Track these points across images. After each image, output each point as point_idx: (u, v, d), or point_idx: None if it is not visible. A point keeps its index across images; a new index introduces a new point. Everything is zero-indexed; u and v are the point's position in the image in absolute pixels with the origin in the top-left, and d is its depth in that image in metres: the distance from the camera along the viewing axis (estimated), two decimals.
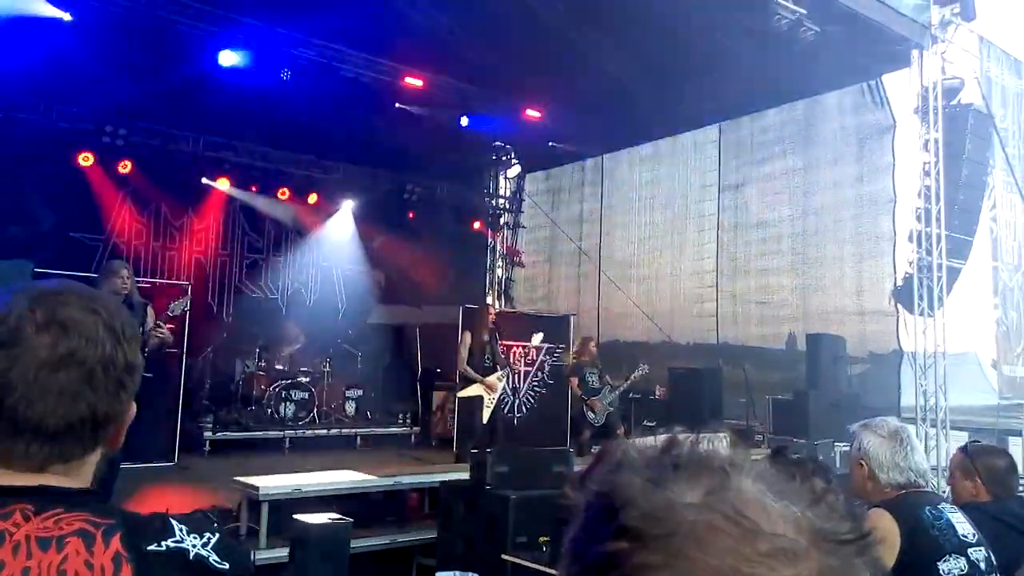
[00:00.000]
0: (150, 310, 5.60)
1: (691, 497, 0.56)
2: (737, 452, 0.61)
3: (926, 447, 7.86)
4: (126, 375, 1.07)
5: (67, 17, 7.26)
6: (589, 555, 0.57)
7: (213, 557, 1.05)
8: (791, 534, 0.54)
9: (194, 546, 1.04)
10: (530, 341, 8.86)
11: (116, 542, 0.99)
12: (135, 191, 10.55)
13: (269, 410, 9.87)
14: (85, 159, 9.74)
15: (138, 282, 5.83)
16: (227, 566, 1.06)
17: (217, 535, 1.09)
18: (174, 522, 1.06)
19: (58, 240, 9.58)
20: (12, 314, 1.02)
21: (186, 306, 5.88)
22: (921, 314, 8.29)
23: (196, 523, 1.09)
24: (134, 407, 1.12)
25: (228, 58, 8.51)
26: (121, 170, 10.08)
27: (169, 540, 1.03)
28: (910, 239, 8.57)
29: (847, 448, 3.31)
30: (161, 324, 5.38)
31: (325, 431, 10.18)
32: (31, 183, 9.26)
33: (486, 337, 7.87)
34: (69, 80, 8.49)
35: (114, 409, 1.06)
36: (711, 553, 0.52)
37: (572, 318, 11.59)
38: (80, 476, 1.06)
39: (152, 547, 1.01)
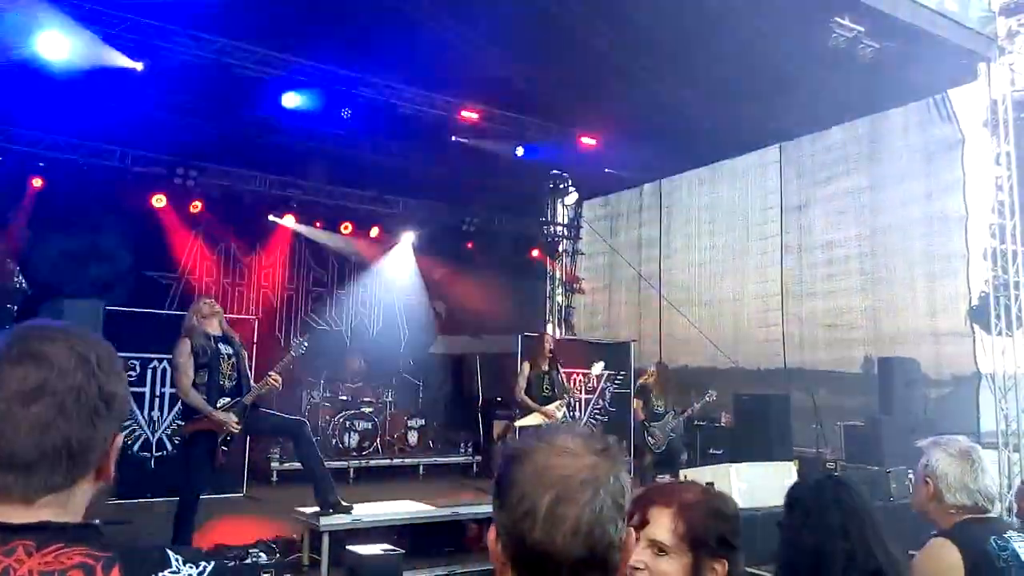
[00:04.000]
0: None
1: (535, 439, 1.16)
2: (572, 425, 1.30)
3: (1009, 474, 7.46)
4: (101, 404, 1.08)
5: (139, 67, 7.64)
6: (496, 479, 1.15)
7: None
8: (575, 446, 1.12)
9: (190, 575, 1.08)
10: (590, 369, 8.79)
11: (116, 574, 1.02)
12: (206, 230, 10.98)
13: (334, 440, 10.04)
14: (158, 200, 10.20)
15: None
16: None
17: (212, 564, 1.12)
18: (171, 553, 1.10)
19: (133, 279, 10.01)
20: None
21: (305, 346, 6.08)
22: (999, 334, 7.91)
23: (192, 554, 1.12)
24: (120, 438, 1.13)
25: (291, 100, 8.82)
26: (192, 210, 10.51)
27: (166, 571, 1.07)
28: (985, 257, 8.23)
29: None
30: (273, 373, 5.70)
31: (388, 461, 10.29)
32: (108, 225, 9.74)
33: (545, 366, 7.84)
34: (142, 126, 8.94)
35: (87, 436, 1.07)
36: (538, 456, 1.12)
37: (633, 344, 11.46)
38: (73, 509, 1.08)
39: None
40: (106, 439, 1.11)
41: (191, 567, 1.09)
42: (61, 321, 1.19)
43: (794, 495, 2.23)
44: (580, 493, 1.07)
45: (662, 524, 1.68)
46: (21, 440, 1.04)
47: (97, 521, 1.10)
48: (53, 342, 1.09)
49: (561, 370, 8.03)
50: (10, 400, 1.04)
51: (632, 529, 1.15)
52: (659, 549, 1.67)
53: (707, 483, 1.93)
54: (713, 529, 1.68)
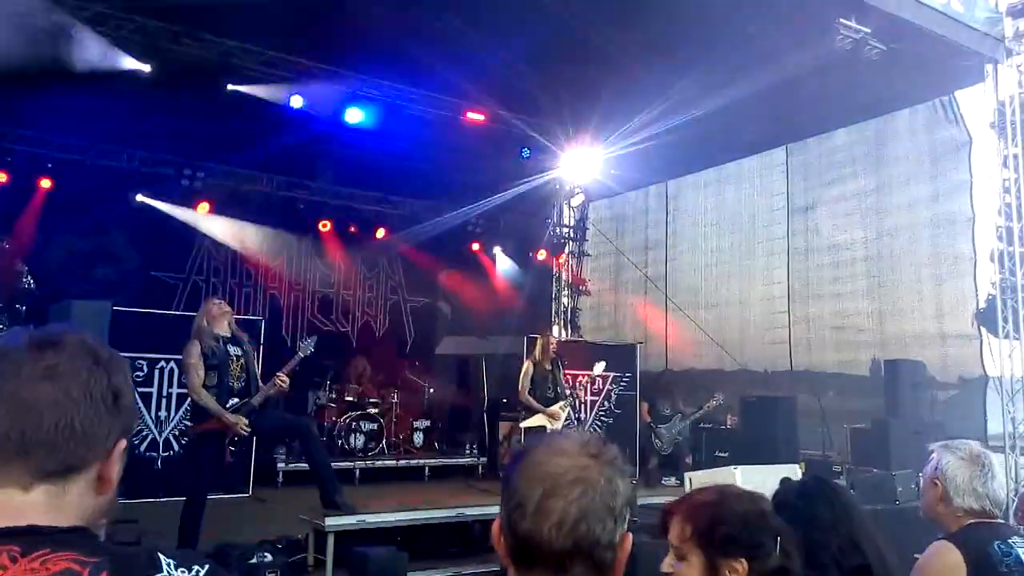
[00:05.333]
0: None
1: (537, 442, 1.26)
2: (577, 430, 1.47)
3: (1016, 477, 7.43)
4: (109, 394, 1.09)
5: (147, 68, 7.68)
6: (502, 479, 1.27)
7: None
8: (569, 448, 1.21)
9: None
10: (592, 370, 8.79)
11: None
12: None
13: (340, 441, 10.05)
14: (167, 201, 10.22)
15: None
16: None
17: (206, 567, 1.09)
18: (163, 556, 1.06)
19: (141, 280, 10.05)
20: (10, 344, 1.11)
21: (312, 346, 6.09)
22: (1006, 337, 7.90)
23: (186, 556, 1.09)
24: (123, 444, 1.12)
25: (296, 101, 8.86)
26: (199, 211, 10.53)
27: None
28: (992, 259, 8.21)
29: None
30: (281, 374, 5.73)
31: (394, 462, 10.29)
32: (115, 225, 9.78)
33: (548, 367, 7.85)
34: (150, 127, 8.97)
35: (91, 422, 1.07)
36: (535, 456, 1.22)
37: (639, 347, 11.46)
38: (65, 510, 1.06)
39: None
40: (109, 437, 1.09)
41: (183, 571, 1.06)
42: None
43: (779, 498, 2.25)
44: (568, 490, 1.15)
45: (674, 529, 1.75)
46: (30, 420, 1.04)
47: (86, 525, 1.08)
48: (66, 334, 1.12)
49: (562, 371, 8.03)
50: (24, 382, 1.05)
51: (630, 534, 1.21)
52: (678, 554, 1.73)
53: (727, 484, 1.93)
54: (719, 530, 1.70)
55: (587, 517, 1.15)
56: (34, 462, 1.04)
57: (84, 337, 1.13)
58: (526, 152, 10.38)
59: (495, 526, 1.24)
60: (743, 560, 1.68)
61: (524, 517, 1.16)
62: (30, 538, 0.99)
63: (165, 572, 1.05)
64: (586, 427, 10.09)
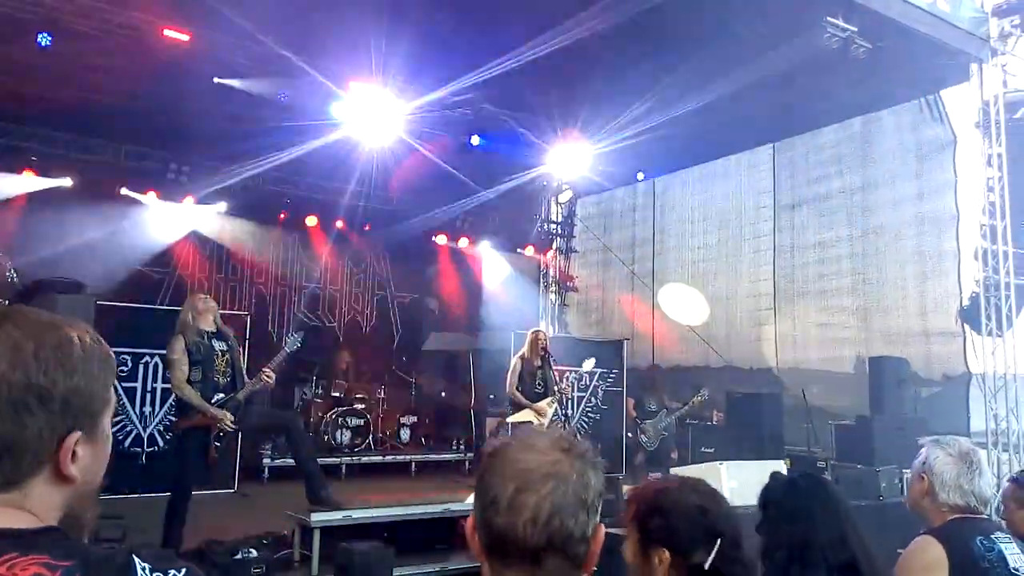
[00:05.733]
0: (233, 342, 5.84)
1: (511, 439, 1.29)
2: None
3: (999, 473, 7.50)
4: (31, 398, 0.99)
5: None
6: (476, 475, 1.26)
7: None
8: (542, 444, 1.24)
9: None
10: (581, 367, 8.80)
11: None
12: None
13: (326, 437, 10.02)
14: (153, 195, 10.14)
15: None
16: None
17: (183, 570, 1.04)
18: (137, 560, 1.01)
19: (126, 274, 9.96)
20: None
21: (299, 342, 6.06)
22: (989, 334, 7.98)
23: (162, 559, 1.04)
24: (73, 438, 1.03)
25: (284, 96, 8.76)
26: (185, 205, 10.45)
27: None
28: (976, 257, 8.28)
29: None
30: (267, 370, 5.73)
31: (380, 457, 10.29)
32: (100, 219, 9.69)
33: (537, 362, 7.85)
34: (135, 121, 8.90)
35: (10, 433, 0.99)
36: (508, 453, 1.23)
37: (626, 343, 11.48)
38: (34, 510, 1.01)
39: None
40: (44, 438, 1.01)
41: (158, 575, 1.01)
42: (41, 309, 1.11)
43: (767, 496, 2.26)
44: (540, 485, 1.18)
45: (629, 508, 1.85)
46: None
47: (57, 524, 1.03)
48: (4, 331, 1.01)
49: (553, 367, 8.04)
50: None
51: (602, 524, 1.25)
52: (627, 532, 1.83)
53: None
54: (652, 518, 1.77)
55: (560, 511, 1.17)
56: None
57: (14, 326, 1.02)
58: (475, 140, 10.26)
59: (468, 523, 1.25)
60: (665, 551, 1.73)
61: (498, 513, 1.17)
62: None
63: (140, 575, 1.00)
64: (573, 423, 10.11)
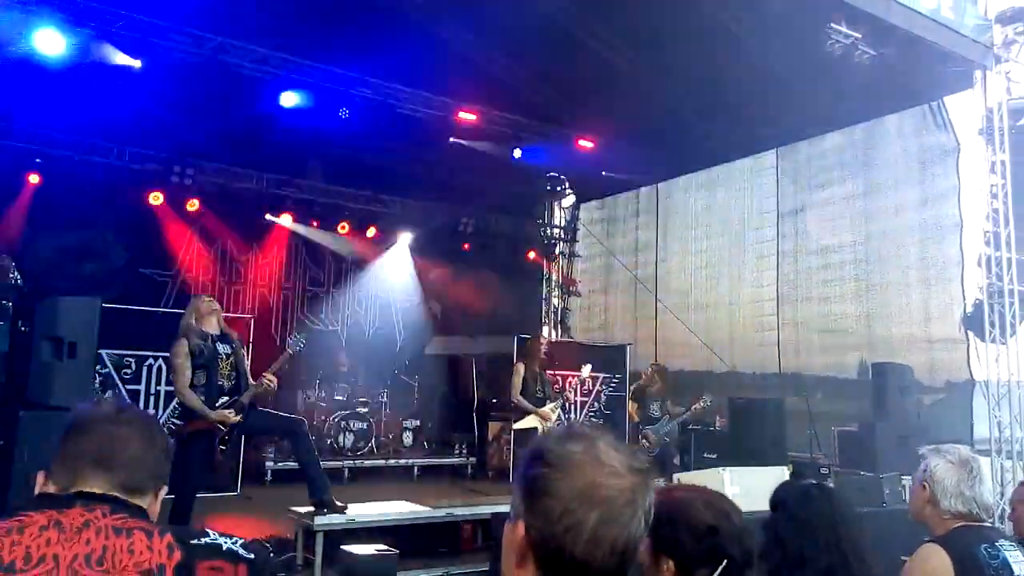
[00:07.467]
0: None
1: (575, 448, 1.17)
2: (599, 429, 1.23)
3: (1002, 481, 7.49)
4: (164, 447, 1.56)
5: (137, 64, 7.63)
6: (527, 478, 1.17)
7: (242, 551, 1.44)
8: (619, 466, 1.16)
9: (226, 543, 1.44)
10: (580, 372, 8.81)
11: (168, 537, 1.39)
12: (202, 228, 10.96)
13: (329, 440, 10.02)
14: (155, 198, 10.19)
15: None
16: (253, 556, 1.44)
17: (242, 540, 1.47)
18: (209, 530, 1.47)
19: (129, 276, 10.00)
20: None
21: (302, 344, 6.03)
22: (993, 342, 7.96)
23: (226, 533, 1.46)
24: (164, 488, 1.55)
25: (289, 99, 8.80)
26: (189, 208, 10.50)
27: (206, 539, 1.43)
28: (979, 264, 8.26)
29: None
30: (269, 374, 5.68)
31: (383, 461, 10.28)
32: (104, 222, 9.73)
33: (539, 368, 7.86)
34: (140, 123, 8.93)
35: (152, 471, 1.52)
36: (584, 471, 1.14)
37: (628, 347, 11.48)
38: (141, 501, 1.47)
39: (194, 541, 1.41)
40: (160, 477, 1.54)
41: (226, 539, 1.44)
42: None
43: (780, 496, 2.27)
44: (623, 515, 1.14)
45: None
46: (116, 448, 1.49)
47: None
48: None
49: (549, 372, 8.04)
50: (111, 426, 1.51)
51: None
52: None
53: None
54: (665, 527, 1.75)
55: (635, 539, 1.16)
56: (116, 476, 1.45)
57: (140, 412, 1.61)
58: (517, 152, 10.36)
59: (517, 531, 1.16)
60: (671, 561, 1.74)
61: (577, 543, 1.11)
62: (115, 504, 1.42)
63: (212, 536, 1.44)
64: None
